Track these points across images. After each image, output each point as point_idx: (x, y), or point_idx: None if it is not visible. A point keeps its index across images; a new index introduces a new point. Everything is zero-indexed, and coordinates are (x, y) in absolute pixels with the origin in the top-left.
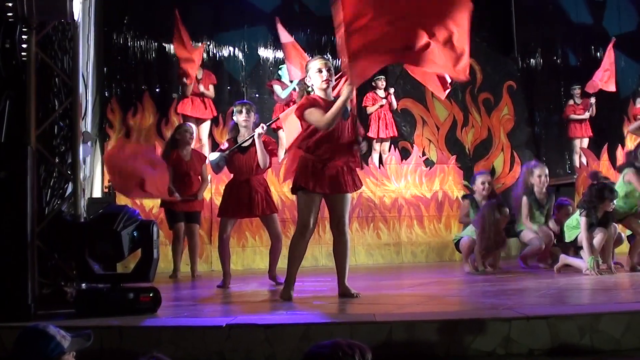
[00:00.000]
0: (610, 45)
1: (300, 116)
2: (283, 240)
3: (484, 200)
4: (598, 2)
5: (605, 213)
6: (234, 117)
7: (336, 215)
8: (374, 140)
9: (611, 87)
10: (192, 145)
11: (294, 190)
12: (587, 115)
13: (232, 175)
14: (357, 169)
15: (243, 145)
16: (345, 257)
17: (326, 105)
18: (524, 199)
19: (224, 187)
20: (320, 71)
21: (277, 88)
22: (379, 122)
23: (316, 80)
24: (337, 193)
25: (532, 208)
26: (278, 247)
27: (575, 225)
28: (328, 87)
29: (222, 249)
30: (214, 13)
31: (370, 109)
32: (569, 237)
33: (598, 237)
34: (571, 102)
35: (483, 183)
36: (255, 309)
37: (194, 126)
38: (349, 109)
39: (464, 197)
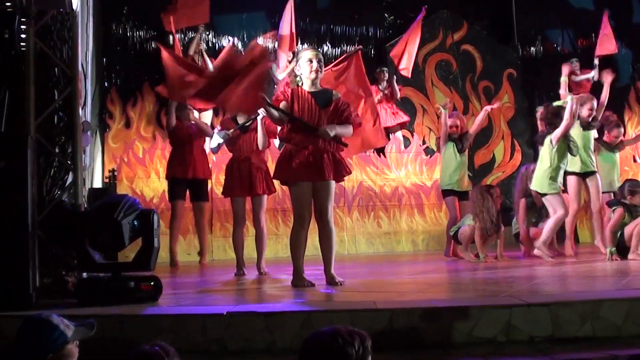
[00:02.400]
0: (605, 16)
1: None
2: (285, 232)
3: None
4: None
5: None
6: None
7: (319, 203)
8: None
9: (612, 48)
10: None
11: (281, 183)
12: (593, 73)
13: (231, 156)
14: (349, 158)
15: (246, 125)
16: (330, 247)
17: (307, 96)
18: (522, 201)
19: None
20: (310, 61)
21: (273, 67)
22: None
23: (305, 70)
24: (318, 180)
25: (529, 210)
26: (259, 230)
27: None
28: (316, 77)
29: (237, 234)
30: (212, 3)
31: None
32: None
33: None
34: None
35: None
36: (256, 297)
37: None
38: (333, 96)
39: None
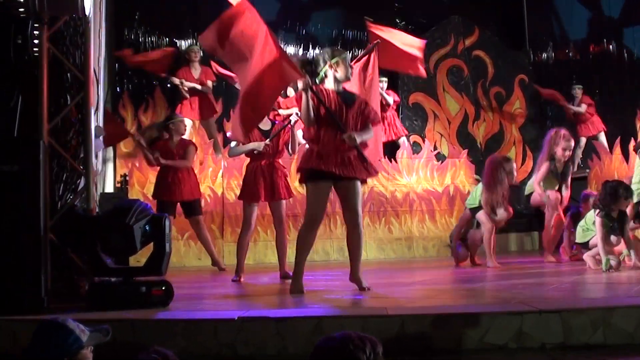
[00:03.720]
0: None
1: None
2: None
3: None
4: None
5: (620, 213)
6: None
7: (350, 206)
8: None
9: None
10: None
11: (302, 180)
12: (583, 108)
13: (248, 160)
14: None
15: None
16: (359, 250)
17: (334, 95)
18: (546, 163)
19: (244, 172)
20: (350, 67)
21: None
22: (390, 123)
23: (343, 70)
24: (347, 177)
25: (549, 174)
26: (281, 235)
27: (590, 227)
28: (346, 79)
29: (244, 239)
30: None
31: None
32: (581, 238)
33: (613, 240)
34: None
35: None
36: (267, 303)
37: (182, 119)
38: (354, 97)
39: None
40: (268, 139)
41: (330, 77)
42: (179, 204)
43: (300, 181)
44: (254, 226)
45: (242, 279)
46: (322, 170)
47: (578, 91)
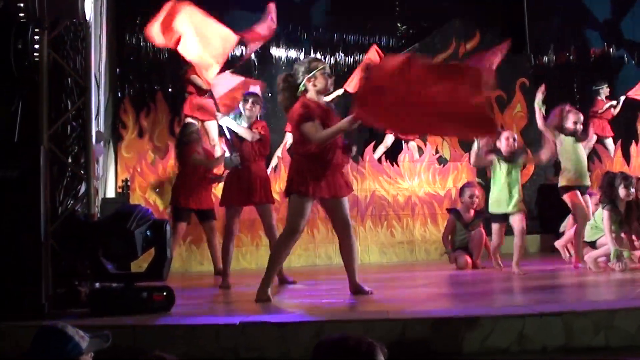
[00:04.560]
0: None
1: (296, 126)
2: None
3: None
4: None
5: (628, 205)
6: (240, 106)
7: (341, 219)
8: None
9: None
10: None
11: (287, 193)
12: (614, 102)
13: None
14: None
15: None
16: (355, 257)
17: (320, 111)
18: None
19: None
20: (329, 76)
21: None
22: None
23: (322, 83)
24: (336, 197)
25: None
26: (274, 241)
27: (599, 224)
28: (330, 91)
29: (228, 244)
30: (226, 11)
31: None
32: (590, 237)
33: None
34: (599, 98)
35: (471, 197)
36: (269, 307)
37: (195, 122)
38: (334, 110)
39: (448, 210)
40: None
41: (312, 91)
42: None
43: (285, 192)
44: (236, 231)
45: (229, 285)
46: (318, 193)
47: (606, 89)
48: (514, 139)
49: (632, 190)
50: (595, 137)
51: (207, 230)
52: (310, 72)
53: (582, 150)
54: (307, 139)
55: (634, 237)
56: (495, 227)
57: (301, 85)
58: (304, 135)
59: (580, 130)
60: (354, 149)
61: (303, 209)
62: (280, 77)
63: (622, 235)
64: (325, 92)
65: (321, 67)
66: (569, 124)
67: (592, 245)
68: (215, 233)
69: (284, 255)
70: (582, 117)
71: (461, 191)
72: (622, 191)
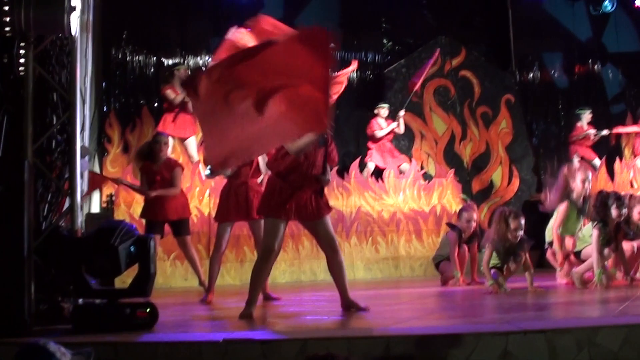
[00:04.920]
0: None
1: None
2: (283, 257)
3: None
4: (597, 15)
5: (617, 225)
6: None
7: (326, 239)
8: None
9: None
10: (167, 155)
11: (259, 213)
12: (592, 131)
13: (225, 180)
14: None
15: None
16: (344, 273)
17: None
18: (565, 203)
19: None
20: None
21: None
22: (383, 153)
23: None
24: (310, 220)
25: (571, 213)
26: None
27: (587, 238)
28: None
29: (215, 259)
30: (212, 25)
31: (380, 133)
32: (576, 247)
33: (606, 252)
34: (579, 124)
35: (468, 221)
36: (253, 324)
37: (165, 136)
38: (325, 135)
39: (450, 226)
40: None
41: None
42: (166, 223)
43: (258, 212)
44: (225, 247)
45: (211, 299)
46: (283, 215)
47: (589, 115)
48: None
49: (624, 210)
50: (577, 162)
51: (180, 244)
52: None
53: None
54: (284, 150)
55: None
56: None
57: None
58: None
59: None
60: (328, 179)
61: (276, 229)
62: None
63: (607, 252)
64: None
65: None
66: (578, 184)
67: (577, 255)
68: (189, 247)
69: (263, 275)
70: (590, 174)
71: (459, 214)
72: (614, 211)
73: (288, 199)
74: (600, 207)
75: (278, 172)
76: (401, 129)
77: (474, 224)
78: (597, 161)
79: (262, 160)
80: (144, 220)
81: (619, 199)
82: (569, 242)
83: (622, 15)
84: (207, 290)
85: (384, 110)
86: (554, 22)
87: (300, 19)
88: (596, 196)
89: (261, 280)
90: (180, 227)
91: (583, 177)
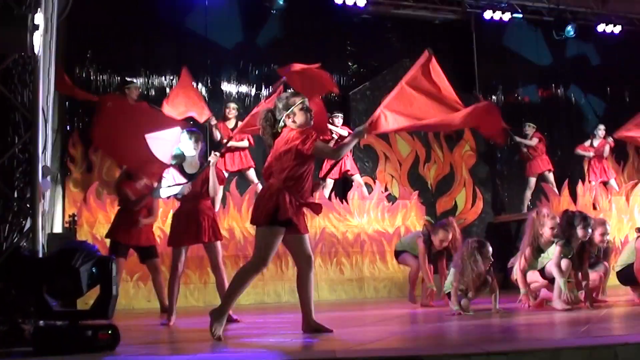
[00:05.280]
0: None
1: (310, 148)
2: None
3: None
4: (558, 40)
5: (582, 245)
6: (181, 145)
7: (304, 254)
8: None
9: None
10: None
11: (263, 221)
12: (535, 141)
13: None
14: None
15: (194, 173)
16: (311, 291)
17: None
18: (528, 248)
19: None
20: (308, 110)
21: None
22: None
23: (302, 118)
24: (303, 234)
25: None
26: (220, 278)
27: (550, 256)
28: (311, 125)
29: (173, 282)
30: (177, 49)
31: (335, 129)
32: (540, 265)
33: (564, 263)
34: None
35: (441, 241)
36: (216, 347)
37: None
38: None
39: (425, 231)
40: (187, 182)
41: (293, 126)
42: (132, 248)
43: (259, 222)
44: (181, 270)
45: (171, 323)
46: (294, 223)
47: (530, 129)
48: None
49: (589, 230)
50: (533, 181)
51: (150, 268)
52: (288, 109)
53: None
54: (327, 156)
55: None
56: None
57: (280, 122)
58: (322, 154)
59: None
60: (325, 183)
61: (274, 241)
62: (262, 111)
63: (565, 264)
64: (306, 126)
65: (299, 102)
66: (546, 231)
67: (542, 272)
68: (159, 271)
69: (245, 285)
70: (558, 221)
71: (435, 230)
72: (580, 231)
73: (298, 212)
74: (566, 226)
75: (290, 187)
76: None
77: (445, 244)
78: (550, 174)
79: (213, 183)
80: (107, 241)
81: (585, 219)
82: (532, 275)
83: (585, 41)
84: (169, 312)
85: (337, 119)
86: (517, 46)
87: (267, 43)
88: (562, 215)
89: (241, 291)
90: (150, 252)
91: (552, 224)
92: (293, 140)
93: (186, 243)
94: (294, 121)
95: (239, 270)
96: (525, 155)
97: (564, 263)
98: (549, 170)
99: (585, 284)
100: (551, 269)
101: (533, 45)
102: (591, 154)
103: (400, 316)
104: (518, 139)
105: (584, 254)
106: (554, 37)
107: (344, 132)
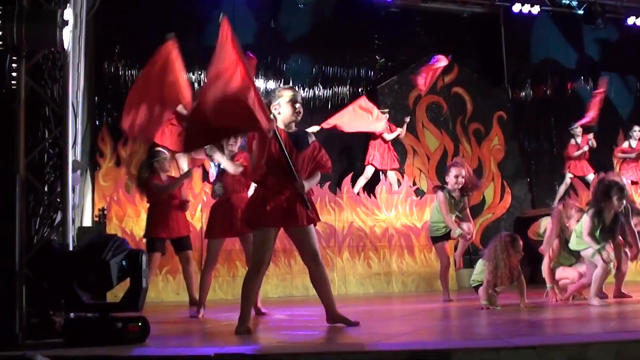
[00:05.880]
0: (602, 85)
1: (251, 141)
2: (275, 272)
3: (456, 192)
4: (588, 33)
5: (615, 217)
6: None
7: (308, 249)
8: (380, 172)
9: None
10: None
11: (247, 223)
12: (586, 148)
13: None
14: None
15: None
16: (328, 285)
17: (285, 137)
18: (556, 240)
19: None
20: (293, 102)
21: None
22: (383, 153)
23: (287, 110)
24: (292, 226)
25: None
26: None
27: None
28: (297, 120)
29: (208, 274)
30: (204, 44)
31: (388, 137)
32: (575, 245)
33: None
34: (572, 141)
35: (456, 177)
36: (243, 339)
37: (165, 152)
38: (310, 139)
39: (437, 188)
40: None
41: (279, 119)
42: (169, 241)
43: (247, 224)
44: (216, 261)
45: (200, 315)
46: (267, 222)
47: (578, 129)
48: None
49: (624, 202)
50: (569, 178)
51: (182, 260)
52: (276, 100)
53: None
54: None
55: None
56: None
57: (271, 115)
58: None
59: None
60: (300, 185)
61: (265, 240)
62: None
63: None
64: (289, 121)
65: (286, 95)
66: (572, 224)
67: (578, 254)
68: (191, 263)
69: (255, 289)
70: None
71: (447, 170)
72: (615, 202)
73: (271, 206)
74: (601, 195)
75: (258, 181)
76: (402, 134)
77: (462, 180)
78: (590, 176)
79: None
80: (144, 240)
81: (621, 189)
82: (562, 272)
83: (615, 34)
84: (199, 305)
85: (385, 115)
86: (546, 39)
87: (294, 38)
88: (597, 184)
89: (253, 294)
90: (183, 243)
91: (579, 217)
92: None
93: (221, 235)
94: (279, 113)
95: (245, 277)
96: (569, 150)
97: (555, 243)
98: (591, 173)
99: (618, 261)
100: (585, 239)
101: (562, 39)
102: (633, 155)
103: (428, 310)
104: (573, 152)
105: (617, 225)
106: (584, 30)
107: (392, 136)
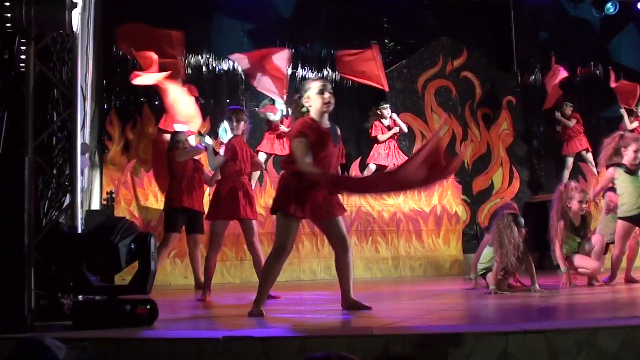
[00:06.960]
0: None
1: (290, 139)
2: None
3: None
4: (600, 17)
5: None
6: (225, 123)
7: (339, 236)
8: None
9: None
10: None
11: (273, 211)
12: (573, 122)
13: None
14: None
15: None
16: (350, 273)
17: (319, 133)
18: (561, 222)
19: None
20: (322, 92)
21: (269, 115)
22: (388, 152)
23: (317, 102)
24: (324, 218)
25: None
26: (257, 256)
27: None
28: (328, 110)
29: (211, 259)
30: (214, 27)
31: (382, 137)
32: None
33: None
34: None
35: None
36: (252, 322)
37: (183, 132)
38: (339, 134)
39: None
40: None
41: (312, 111)
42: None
43: (273, 210)
44: (221, 245)
45: (207, 298)
46: (300, 214)
47: (568, 108)
48: None
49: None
50: (570, 160)
51: (190, 242)
52: (305, 92)
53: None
54: (294, 156)
55: None
56: None
57: (303, 107)
58: (292, 151)
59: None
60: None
61: (289, 228)
62: (293, 98)
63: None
64: (321, 112)
65: (314, 86)
66: (575, 205)
67: (583, 233)
68: (198, 246)
69: (274, 273)
70: (587, 195)
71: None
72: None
73: (304, 199)
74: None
75: (293, 172)
76: (404, 129)
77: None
78: (588, 153)
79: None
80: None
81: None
82: (580, 260)
83: (625, 19)
84: (204, 288)
85: (386, 110)
86: (556, 24)
87: (303, 22)
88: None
89: (272, 278)
90: (197, 223)
91: (580, 197)
92: (292, 130)
93: (222, 217)
94: (310, 105)
95: (265, 260)
96: (560, 134)
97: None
98: (587, 150)
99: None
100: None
101: (572, 24)
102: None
103: (436, 294)
104: (558, 115)
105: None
106: (594, 14)
107: (386, 136)
